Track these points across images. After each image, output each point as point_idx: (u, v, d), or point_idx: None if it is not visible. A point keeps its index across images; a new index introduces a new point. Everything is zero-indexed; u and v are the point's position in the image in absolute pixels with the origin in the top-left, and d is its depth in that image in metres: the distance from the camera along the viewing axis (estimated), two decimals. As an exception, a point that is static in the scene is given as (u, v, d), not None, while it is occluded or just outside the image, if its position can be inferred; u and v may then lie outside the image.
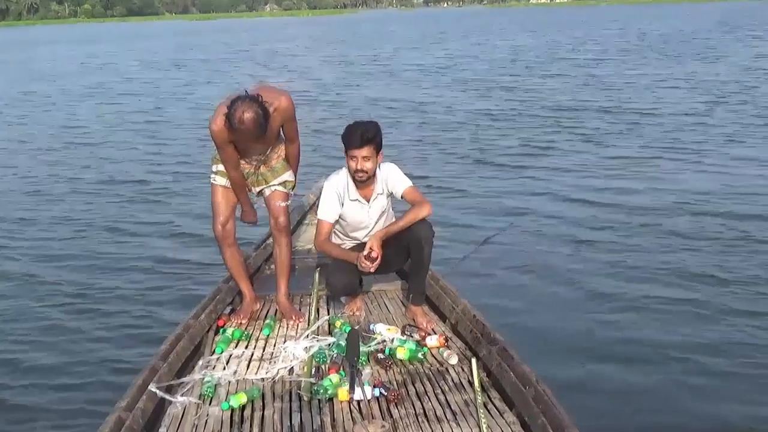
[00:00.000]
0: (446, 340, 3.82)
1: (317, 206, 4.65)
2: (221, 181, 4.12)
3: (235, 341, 3.90)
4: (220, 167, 4.08)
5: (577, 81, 19.48)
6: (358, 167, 3.96)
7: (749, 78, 18.65)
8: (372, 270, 3.91)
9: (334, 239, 4.23)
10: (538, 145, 11.34)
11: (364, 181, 4.05)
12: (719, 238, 6.84)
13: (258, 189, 4.20)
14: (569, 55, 27.89)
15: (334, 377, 3.34)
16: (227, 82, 22.13)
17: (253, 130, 3.57)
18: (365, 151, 3.93)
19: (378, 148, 3.99)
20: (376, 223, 4.19)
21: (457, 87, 19.30)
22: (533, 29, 48.72)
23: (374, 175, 4.08)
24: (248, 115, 3.52)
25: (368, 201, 4.14)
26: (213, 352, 3.77)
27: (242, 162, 4.06)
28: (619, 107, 14.66)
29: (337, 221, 4.16)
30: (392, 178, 4.12)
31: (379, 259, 3.87)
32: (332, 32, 57.76)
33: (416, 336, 3.82)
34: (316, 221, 5.17)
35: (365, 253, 3.87)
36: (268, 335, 3.98)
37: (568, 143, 11.45)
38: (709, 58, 24.46)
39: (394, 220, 4.27)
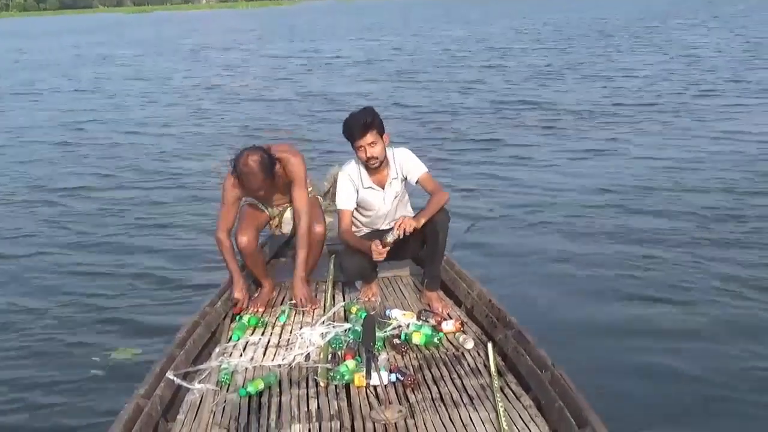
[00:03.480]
0: (462, 324, 3.82)
1: (331, 193, 4.67)
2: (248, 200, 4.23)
3: (252, 328, 3.92)
4: (248, 199, 4.20)
5: (515, 72, 19.15)
6: (368, 155, 3.96)
7: (687, 68, 18.15)
8: (382, 257, 3.90)
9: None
10: (483, 138, 11.20)
11: (377, 168, 4.04)
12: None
13: (284, 226, 4.32)
14: (504, 45, 27.54)
15: (351, 363, 3.35)
16: (158, 77, 22.01)
17: (257, 172, 3.74)
18: (369, 137, 3.93)
19: (381, 131, 3.98)
20: (391, 208, 4.19)
21: (393, 79, 18.99)
22: (470, 20, 47.26)
23: (386, 159, 4.07)
24: (252, 158, 3.73)
25: (383, 187, 4.14)
26: (229, 339, 3.79)
27: (267, 207, 4.27)
28: (558, 100, 14.34)
29: (355, 209, 4.17)
30: (408, 163, 4.12)
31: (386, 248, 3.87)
32: (270, 25, 56.15)
33: (432, 321, 3.81)
34: (330, 209, 5.20)
35: (394, 235, 3.84)
36: (284, 322, 3.99)
37: (508, 135, 11.38)
38: (645, 46, 24.13)
39: (408, 204, 4.28)
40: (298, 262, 4.14)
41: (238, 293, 4.11)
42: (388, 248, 3.87)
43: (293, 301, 4.18)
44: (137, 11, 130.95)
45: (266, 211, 4.30)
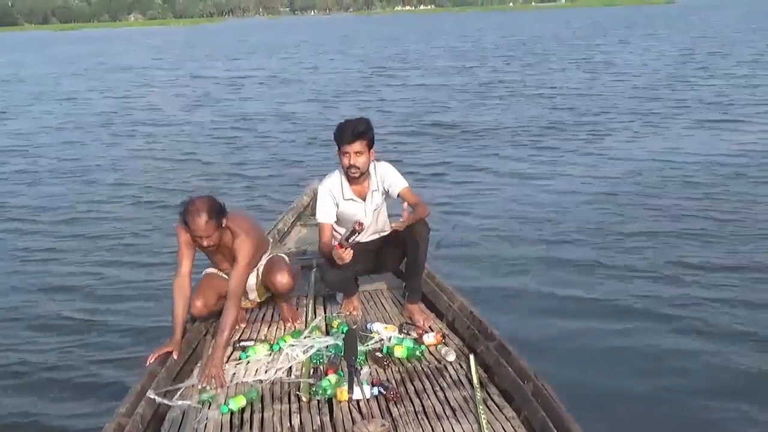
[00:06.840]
0: (443, 337, 3.83)
1: (311, 208, 4.67)
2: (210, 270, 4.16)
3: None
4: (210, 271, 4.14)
5: (438, 91, 19.33)
6: (351, 162, 3.99)
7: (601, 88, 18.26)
8: (348, 259, 3.84)
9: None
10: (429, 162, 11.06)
11: (357, 177, 4.06)
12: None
13: (249, 293, 4.22)
14: (424, 63, 28.01)
15: (333, 377, 3.35)
16: (71, 98, 21.76)
17: (202, 212, 3.65)
18: (357, 146, 3.96)
19: (370, 143, 4.02)
20: (372, 220, 4.20)
21: (323, 98, 19.16)
22: (397, 37, 47.82)
23: (368, 172, 4.09)
24: (201, 200, 3.72)
25: (363, 199, 4.15)
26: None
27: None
28: (486, 120, 14.39)
29: (336, 222, 4.17)
30: (389, 177, 4.14)
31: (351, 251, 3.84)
32: (200, 43, 55.50)
33: (413, 334, 3.82)
34: (310, 223, 5.20)
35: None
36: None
37: (438, 155, 11.49)
38: (559, 65, 24.73)
39: (386, 218, 4.30)
40: (222, 327, 3.65)
41: (173, 349, 3.69)
42: (349, 249, 3.82)
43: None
44: (64, 28, 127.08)
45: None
